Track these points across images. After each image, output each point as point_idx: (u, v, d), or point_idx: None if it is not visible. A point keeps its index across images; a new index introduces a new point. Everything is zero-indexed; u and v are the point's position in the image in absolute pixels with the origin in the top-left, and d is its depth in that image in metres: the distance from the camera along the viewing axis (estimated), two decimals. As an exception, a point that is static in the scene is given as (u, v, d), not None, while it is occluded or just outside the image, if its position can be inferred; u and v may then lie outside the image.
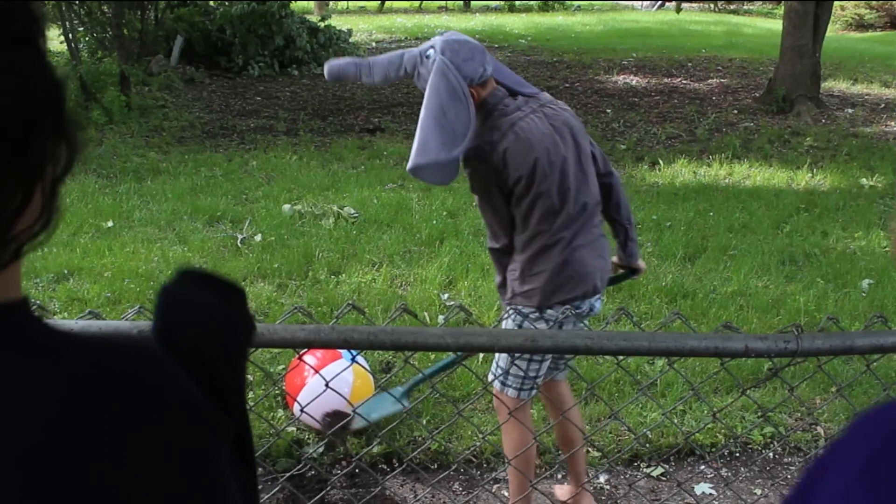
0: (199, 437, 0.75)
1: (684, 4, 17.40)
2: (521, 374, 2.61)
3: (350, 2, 28.36)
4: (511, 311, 2.60)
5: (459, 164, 2.42)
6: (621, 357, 1.62)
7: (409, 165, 2.42)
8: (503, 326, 2.68)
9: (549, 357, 2.68)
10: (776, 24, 16.14)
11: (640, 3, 28.34)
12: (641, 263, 2.93)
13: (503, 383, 2.65)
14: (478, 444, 3.33)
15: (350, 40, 14.68)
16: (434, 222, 6.00)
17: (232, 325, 0.91)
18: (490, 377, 2.78)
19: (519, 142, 2.43)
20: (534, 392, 2.69)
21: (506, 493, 3.03)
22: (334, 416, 3.09)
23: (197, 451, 0.75)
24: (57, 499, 0.66)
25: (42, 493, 0.66)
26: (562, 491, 3.10)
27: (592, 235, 2.61)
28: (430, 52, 2.42)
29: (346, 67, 2.50)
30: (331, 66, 2.52)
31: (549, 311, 2.54)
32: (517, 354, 2.58)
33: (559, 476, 3.23)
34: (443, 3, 28.22)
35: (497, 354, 2.70)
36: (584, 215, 2.57)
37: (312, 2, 22.62)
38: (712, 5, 24.39)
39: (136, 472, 0.70)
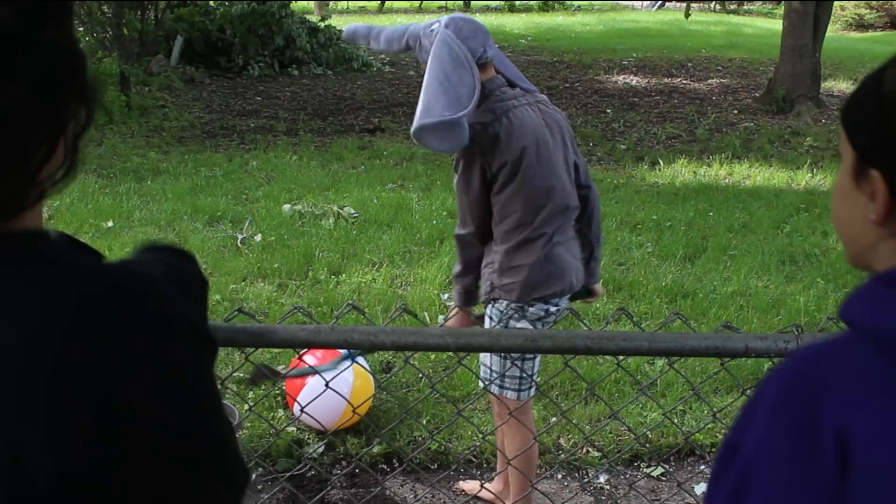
0: (202, 354, 0.88)
1: (684, 4, 17.40)
2: (518, 373, 2.61)
3: (350, 2, 28.37)
4: (493, 310, 2.59)
5: (466, 132, 2.39)
6: (621, 357, 1.62)
7: (413, 128, 2.40)
8: (485, 323, 2.67)
9: (536, 358, 2.67)
10: (776, 24, 16.14)
11: (640, 3, 28.35)
12: (599, 288, 2.86)
13: (501, 386, 2.63)
14: (478, 444, 3.33)
15: (343, 42, 14.66)
16: (434, 222, 6.00)
17: (185, 272, 1.04)
18: (482, 383, 2.75)
19: (511, 127, 2.44)
20: (533, 391, 2.68)
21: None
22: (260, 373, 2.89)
23: (201, 366, 0.87)
24: (76, 398, 0.75)
25: (61, 392, 0.75)
26: (469, 486, 3.09)
27: (568, 235, 2.61)
28: (435, 26, 2.47)
29: (360, 30, 2.62)
30: (348, 27, 2.64)
31: (531, 310, 2.53)
32: (510, 357, 2.58)
33: (559, 476, 3.24)
34: (443, 3, 28.22)
35: (484, 358, 2.68)
36: (566, 215, 2.57)
37: (312, 2, 22.62)
38: (715, 5, 24.39)
39: (150, 381, 0.80)
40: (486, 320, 2.64)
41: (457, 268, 2.67)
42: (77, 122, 0.79)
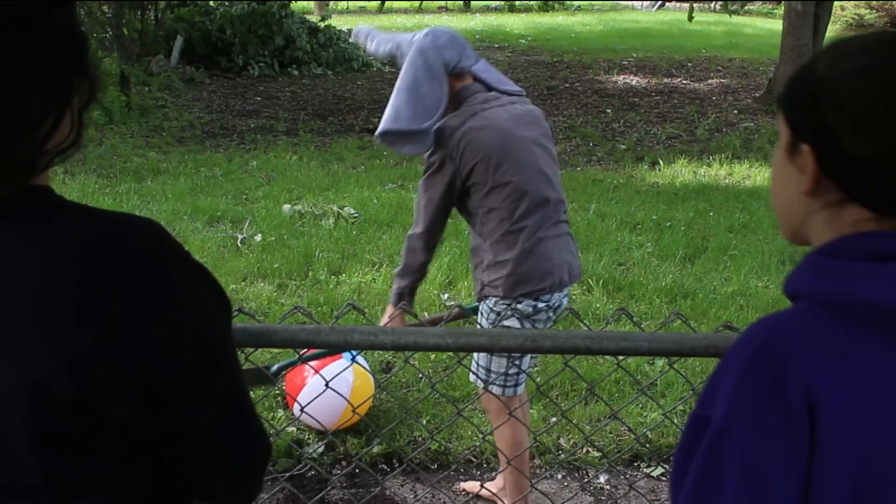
0: (223, 302, 0.95)
1: (684, 5, 17.38)
2: (503, 372, 2.61)
3: (350, 2, 28.38)
4: (484, 307, 2.60)
5: (429, 140, 2.52)
6: (621, 357, 1.62)
7: (378, 131, 2.56)
8: (479, 320, 2.67)
9: (526, 355, 2.67)
10: (776, 24, 16.15)
11: (640, 3, 28.35)
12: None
13: (485, 381, 2.65)
14: (478, 444, 3.33)
15: (350, 40, 14.68)
16: (434, 222, 5.99)
17: None
18: (472, 377, 2.78)
19: (478, 129, 2.48)
20: (519, 389, 2.68)
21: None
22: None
23: (222, 313, 0.94)
24: (91, 325, 0.82)
25: (78, 319, 0.82)
26: (470, 486, 3.10)
27: (558, 230, 2.60)
28: (416, 36, 2.59)
29: (361, 31, 2.74)
30: (357, 27, 2.78)
31: (519, 306, 2.53)
32: (497, 354, 2.58)
33: (559, 476, 3.24)
34: (443, 3, 28.23)
35: (476, 356, 2.69)
36: (547, 208, 2.55)
37: (312, 2, 22.63)
38: (716, 5, 24.38)
39: (163, 311, 0.86)
40: (479, 317, 2.65)
41: (398, 268, 2.71)
42: (81, 96, 0.86)
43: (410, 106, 2.50)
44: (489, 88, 2.60)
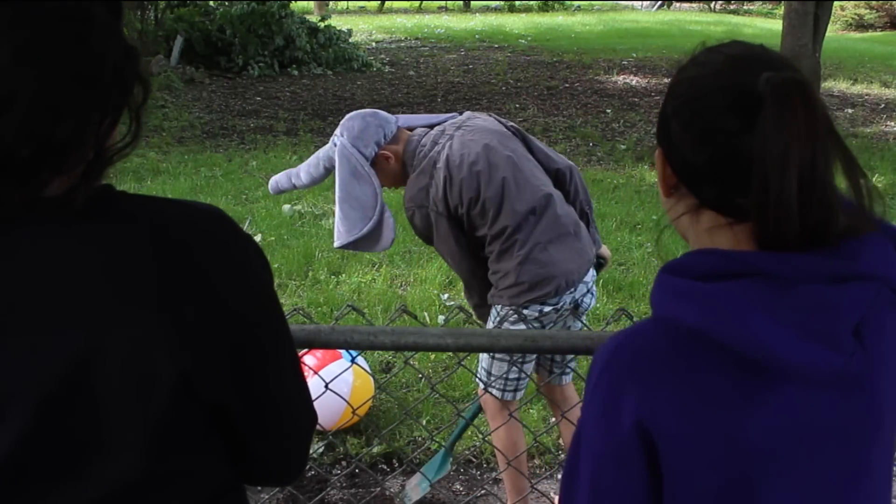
0: (271, 277, 1.03)
1: (684, 5, 17.40)
2: (503, 376, 2.61)
3: (350, 2, 28.39)
4: (492, 313, 2.60)
5: (389, 229, 2.53)
6: (621, 357, 1.62)
7: (335, 244, 2.58)
8: (488, 324, 2.69)
9: (530, 360, 2.66)
10: (776, 24, 16.14)
11: (640, 3, 28.36)
12: (605, 251, 2.89)
13: (486, 384, 2.65)
14: (478, 444, 3.33)
15: (350, 40, 14.69)
16: (434, 222, 6.00)
17: None
18: (477, 378, 2.78)
19: (447, 171, 2.44)
20: (519, 394, 2.68)
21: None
22: None
23: (273, 288, 1.02)
24: (182, 303, 0.89)
25: (172, 298, 0.89)
26: None
27: (560, 229, 2.52)
28: (335, 138, 2.55)
29: (280, 180, 2.70)
30: (271, 182, 2.73)
31: (525, 312, 2.52)
32: (499, 356, 2.58)
33: (559, 476, 3.23)
34: (443, 3, 28.24)
35: (481, 356, 2.69)
36: (538, 212, 2.49)
37: (312, 2, 22.63)
38: (716, 5, 24.40)
39: (244, 288, 0.96)
40: (489, 322, 2.66)
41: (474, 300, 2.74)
42: (135, 98, 0.94)
43: (351, 213, 2.51)
44: (430, 128, 2.59)
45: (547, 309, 2.53)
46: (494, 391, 2.64)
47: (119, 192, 0.95)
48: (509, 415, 2.55)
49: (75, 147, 0.88)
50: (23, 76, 0.83)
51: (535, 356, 2.68)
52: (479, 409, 2.88)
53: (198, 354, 0.91)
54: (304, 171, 2.64)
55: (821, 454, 0.90)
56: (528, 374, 2.66)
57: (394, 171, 2.57)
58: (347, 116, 2.60)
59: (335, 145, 2.54)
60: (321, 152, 2.61)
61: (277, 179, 2.71)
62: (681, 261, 0.94)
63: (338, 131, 2.56)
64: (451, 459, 3.01)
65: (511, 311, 2.51)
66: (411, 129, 2.59)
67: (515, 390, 2.65)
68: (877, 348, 0.89)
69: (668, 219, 1.03)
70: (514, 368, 2.60)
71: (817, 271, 0.86)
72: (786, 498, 0.90)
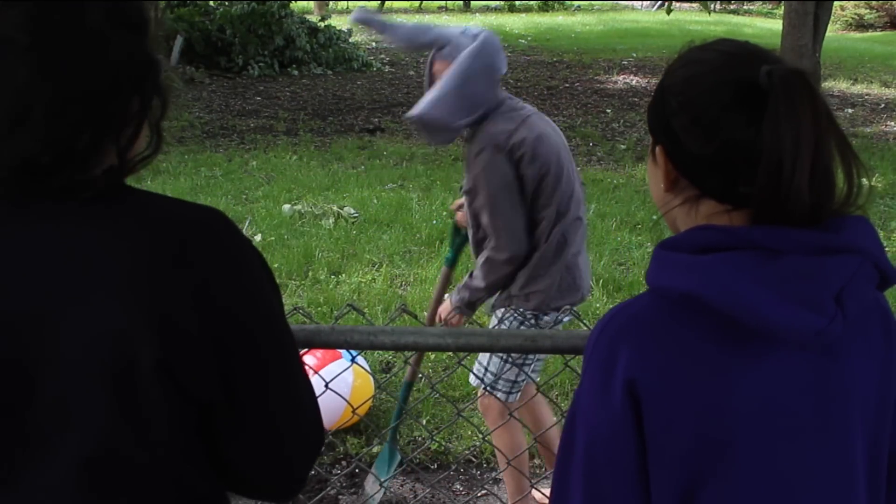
0: (276, 288, 1.04)
1: (684, 5, 17.40)
2: (512, 379, 2.61)
3: (350, 2, 28.37)
4: (507, 314, 2.58)
5: (454, 136, 2.47)
6: (621, 357, 1.62)
7: (415, 111, 2.40)
8: (492, 325, 2.68)
9: (541, 360, 2.67)
10: (776, 24, 16.14)
11: (640, 3, 28.34)
12: None
13: (493, 387, 2.63)
14: (478, 444, 3.33)
15: (350, 40, 14.68)
16: (434, 222, 6.00)
17: None
18: (474, 380, 2.74)
19: (534, 135, 2.42)
20: (519, 395, 2.69)
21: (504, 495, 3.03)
22: None
23: (278, 297, 1.03)
24: (173, 297, 0.91)
25: (161, 292, 0.90)
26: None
27: (582, 244, 2.61)
28: (467, 31, 2.47)
29: (375, 18, 2.58)
30: (358, 10, 2.61)
31: (545, 318, 2.52)
32: (511, 361, 2.57)
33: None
34: (443, 3, 28.22)
35: (484, 359, 2.68)
36: (581, 223, 2.56)
37: (312, 2, 22.62)
38: (715, 5, 24.38)
39: (238, 286, 0.96)
40: (495, 321, 2.64)
41: (477, 280, 2.56)
42: (155, 110, 0.97)
43: (456, 97, 2.37)
44: None
45: (566, 319, 2.58)
46: (500, 394, 2.63)
47: (127, 186, 0.98)
48: (509, 415, 2.55)
49: (93, 155, 0.92)
50: (40, 90, 0.88)
51: (542, 358, 2.71)
52: (409, 392, 2.90)
53: (179, 346, 0.91)
54: (404, 30, 2.53)
55: (797, 417, 0.95)
56: (534, 378, 2.66)
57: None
58: (492, 33, 2.49)
59: (472, 35, 2.43)
60: (438, 29, 2.52)
61: (370, 17, 2.58)
62: (677, 237, 1.00)
63: (475, 30, 2.46)
64: (398, 449, 3.03)
65: (530, 314, 2.51)
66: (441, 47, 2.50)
67: (519, 392, 2.66)
68: (856, 316, 0.93)
69: (661, 212, 1.09)
70: (522, 375, 2.60)
71: (805, 243, 0.92)
72: (760, 459, 0.94)
